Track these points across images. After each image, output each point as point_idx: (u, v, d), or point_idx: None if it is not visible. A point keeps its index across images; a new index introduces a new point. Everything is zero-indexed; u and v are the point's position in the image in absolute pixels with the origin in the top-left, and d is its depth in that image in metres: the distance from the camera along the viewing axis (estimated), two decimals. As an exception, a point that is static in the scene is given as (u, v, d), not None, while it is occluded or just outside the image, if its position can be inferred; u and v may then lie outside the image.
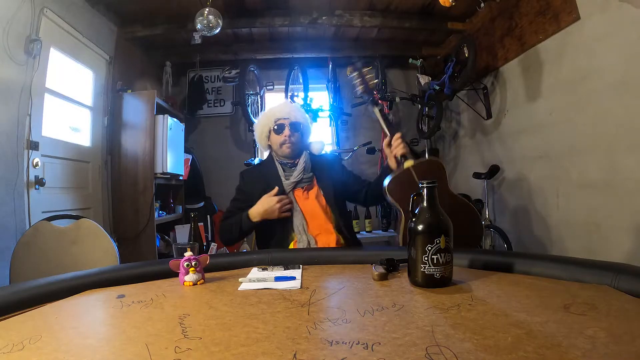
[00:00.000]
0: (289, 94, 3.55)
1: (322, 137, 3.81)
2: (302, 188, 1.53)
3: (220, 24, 2.69)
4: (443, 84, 2.98)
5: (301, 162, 1.55)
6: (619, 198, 1.96)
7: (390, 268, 0.93)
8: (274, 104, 1.70)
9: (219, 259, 1.10)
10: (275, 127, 1.56)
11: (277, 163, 1.58)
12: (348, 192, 1.63)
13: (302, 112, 1.65)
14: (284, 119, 1.56)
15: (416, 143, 3.70)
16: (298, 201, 1.50)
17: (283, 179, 1.52)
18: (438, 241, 0.79)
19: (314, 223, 1.46)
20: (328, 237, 1.43)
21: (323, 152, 1.66)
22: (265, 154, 1.75)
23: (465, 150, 3.63)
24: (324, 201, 1.52)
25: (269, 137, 1.60)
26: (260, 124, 1.61)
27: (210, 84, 4.02)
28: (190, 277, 0.90)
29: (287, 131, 1.54)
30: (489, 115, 3.04)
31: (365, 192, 1.61)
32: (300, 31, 3.47)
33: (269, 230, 1.49)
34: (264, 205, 1.43)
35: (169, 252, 3.09)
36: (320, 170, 1.59)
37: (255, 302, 0.75)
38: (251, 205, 1.50)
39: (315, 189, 1.55)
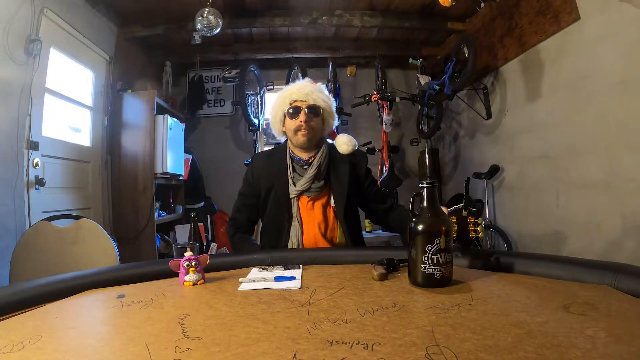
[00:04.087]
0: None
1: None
2: (308, 197, 1.36)
3: (220, 24, 2.70)
4: (443, 84, 2.98)
5: (315, 162, 1.36)
6: (619, 198, 1.96)
7: (390, 268, 0.93)
8: (293, 83, 1.46)
9: (219, 259, 1.10)
10: (290, 111, 1.35)
11: (288, 157, 1.40)
12: (362, 203, 1.47)
13: (325, 94, 1.42)
14: (301, 100, 1.35)
15: (416, 143, 3.70)
16: (300, 210, 1.36)
17: (290, 180, 1.36)
18: (438, 241, 0.79)
19: (310, 235, 1.33)
20: None
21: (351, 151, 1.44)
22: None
23: (465, 150, 3.62)
24: (332, 213, 1.37)
25: (283, 122, 1.40)
26: (275, 106, 1.41)
27: (210, 84, 4.02)
28: (190, 277, 0.90)
29: (303, 115, 1.33)
30: (489, 115, 3.03)
31: (380, 216, 1.46)
32: (300, 31, 3.47)
33: (268, 241, 1.42)
34: None
35: (169, 252, 3.09)
36: (338, 172, 1.39)
37: (255, 302, 0.75)
38: (258, 201, 1.41)
39: (325, 198, 1.38)
